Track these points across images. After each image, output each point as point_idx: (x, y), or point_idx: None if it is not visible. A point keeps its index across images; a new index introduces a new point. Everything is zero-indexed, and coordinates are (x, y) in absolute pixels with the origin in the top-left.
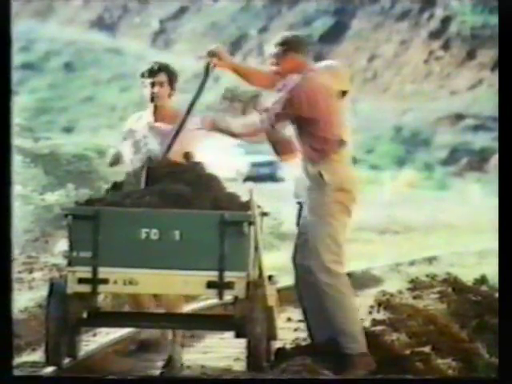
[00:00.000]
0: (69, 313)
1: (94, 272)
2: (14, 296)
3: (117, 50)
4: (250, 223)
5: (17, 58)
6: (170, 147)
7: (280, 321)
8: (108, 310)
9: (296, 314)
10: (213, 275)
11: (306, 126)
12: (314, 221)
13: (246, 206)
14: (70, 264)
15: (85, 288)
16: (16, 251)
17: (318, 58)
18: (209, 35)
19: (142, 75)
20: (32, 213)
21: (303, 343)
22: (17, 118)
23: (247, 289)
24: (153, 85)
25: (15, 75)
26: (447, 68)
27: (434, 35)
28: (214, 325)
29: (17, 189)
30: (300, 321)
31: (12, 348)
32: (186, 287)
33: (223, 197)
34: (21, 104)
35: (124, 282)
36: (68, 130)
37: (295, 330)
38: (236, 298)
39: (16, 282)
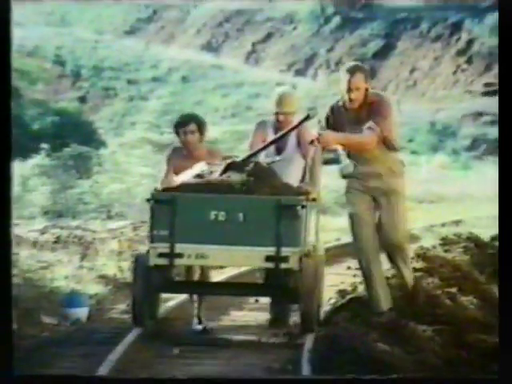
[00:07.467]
0: (151, 282)
1: (171, 248)
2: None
3: (219, 66)
4: (303, 206)
5: (148, 73)
6: (249, 157)
7: (341, 269)
8: (181, 280)
9: (354, 263)
10: (271, 250)
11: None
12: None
13: (299, 192)
14: (151, 241)
15: (163, 261)
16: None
17: (372, 70)
18: (289, 54)
19: (176, 126)
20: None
21: (360, 287)
22: (147, 117)
23: (300, 262)
24: (185, 133)
25: (146, 86)
26: (470, 78)
27: (461, 53)
28: (270, 292)
29: (147, 170)
30: (357, 268)
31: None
32: (248, 260)
33: (280, 185)
34: (151, 107)
35: (196, 256)
36: None
37: (354, 275)
38: (290, 270)
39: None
